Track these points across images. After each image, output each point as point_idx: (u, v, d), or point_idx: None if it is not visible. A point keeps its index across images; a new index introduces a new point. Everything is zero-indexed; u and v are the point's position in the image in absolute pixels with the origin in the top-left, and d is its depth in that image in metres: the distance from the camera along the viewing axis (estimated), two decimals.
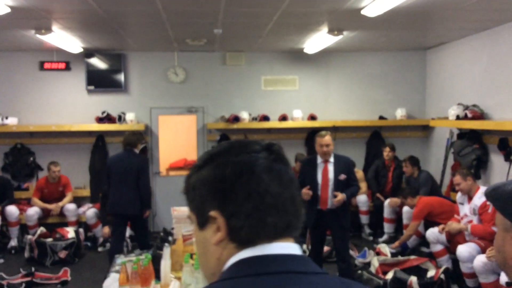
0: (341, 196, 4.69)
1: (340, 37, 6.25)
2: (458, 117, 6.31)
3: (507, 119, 5.74)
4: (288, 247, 0.90)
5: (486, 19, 5.65)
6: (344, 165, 4.85)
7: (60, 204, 6.99)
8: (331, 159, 4.85)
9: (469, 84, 6.73)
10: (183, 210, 3.81)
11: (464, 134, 6.56)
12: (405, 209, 6.51)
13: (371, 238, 7.14)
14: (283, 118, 7.83)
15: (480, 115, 6.15)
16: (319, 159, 4.86)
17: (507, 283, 3.71)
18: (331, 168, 4.82)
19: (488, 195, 1.16)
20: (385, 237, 6.88)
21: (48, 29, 5.81)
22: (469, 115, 6.12)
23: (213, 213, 0.90)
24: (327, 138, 4.77)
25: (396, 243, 6.08)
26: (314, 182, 4.80)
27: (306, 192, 4.72)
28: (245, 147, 0.95)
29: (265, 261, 0.86)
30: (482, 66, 6.41)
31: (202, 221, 0.92)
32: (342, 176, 4.78)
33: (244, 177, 0.89)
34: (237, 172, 0.90)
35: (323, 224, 4.89)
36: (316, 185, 4.80)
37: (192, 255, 3.34)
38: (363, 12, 4.87)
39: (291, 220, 0.91)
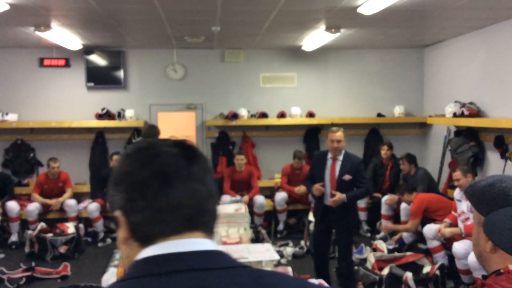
0: (338, 196, 4.61)
1: (338, 34, 6.29)
2: (455, 115, 6.36)
3: (503, 117, 5.78)
4: (191, 243, 0.88)
5: (481, 17, 5.68)
6: (351, 165, 4.70)
7: (60, 199, 7.05)
8: (340, 157, 4.74)
9: (466, 82, 6.76)
10: None
11: (461, 132, 6.60)
12: (403, 206, 6.55)
13: (368, 234, 7.18)
14: (282, 115, 7.87)
15: (476, 113, 6.18)
16: (329, 155, 4.80)
17: (483, 276, 3.76)
18: (338, 166, 4.74)
19: (465, 191, 1.21)
20: (382, 234, 6.93)
21: (47, 26, 5.85)
22: (466, 112, 6.16)
23: (116, 212, 0.92)
24: (339, 134, 4.68)
25: (390, 226, 6.30)
26: (322, 178, 4.78)
27: (317, 188, 4.72)
28: (150, 145, 0.95)
29: (161, 260, 0.85)
30: (479, 64, 6.45)
31: (115, 221, 0.94)
32: (347, 177, 4.67)
33: (131, 176, 0.90)
34: (126, 170, 0.92)
35: (327, 220, 4.84)
36: (324, 182, 4.78)
37: None
38: (359, 10, 4.90)
39: (191, 215, 0.90)
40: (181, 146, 0.97)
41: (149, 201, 0.88)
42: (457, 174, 5.21)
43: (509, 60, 5.77)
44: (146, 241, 0.88)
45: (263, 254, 3.07)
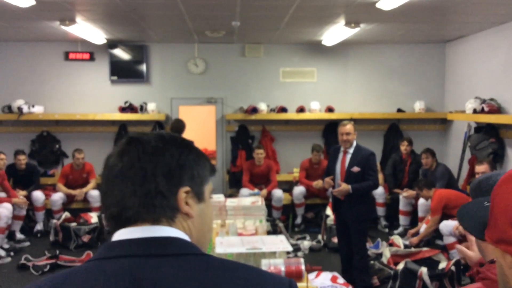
0: (342, 187, 4.66)
1: (357, 29, 6.29)
2: (475, 111, 6.30)
3: None
4: (136, 231, 0.96)
5: (502, 13, 5.62)
6: (361, 157, 4.71)
7: (84, 190, 7.24)
8: (351, 150, 4.78)
9: (487, 78, 6.69)
10: None
11: (481, 128, 6.54)
12: (421, 201, 6.54)
13: (386, 230, 7.19)
14: (301, 109, 7.91)
15: (497, 109, 6.13)
16: (342, 148, 4.86)
17: (479, 264, 3.79)
18: (348, 159, 4.79)
19: (472, 188, 1.25)
20: (400, 229, 6.93)
21: (72, 21, 6.01)
22: (486, 109, 6.11)
23: None
24: (348, 127, 4.73)
25: (416, 239, 5.95)
26: (334, 170, 4.88)
27: (327, 181, 4.85)
28: (119, 144, 1.06)
29: (110, 246, 0.96)
30: (500, 60, 6.37)
31: None
32: (355, 169, 4.70)
33: (102, 171, 1.05)
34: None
35: (341, 213, 4.91)
36: (335, 174, 4.86)
37: None
38: (377, 5, 4.91)
39: (112, 212, 0.99)
40: (132, 145, 1.03)
41: (101, 197, 1.04)
42: (485, 167, 5.14)
43: None
44: (112, 229, 1.01)
45: (277, 245, 3.14)
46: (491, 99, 6.30)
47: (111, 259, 0.94)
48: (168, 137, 1.05)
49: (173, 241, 0.96)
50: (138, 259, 0.92)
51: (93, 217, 6.78)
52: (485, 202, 0.85)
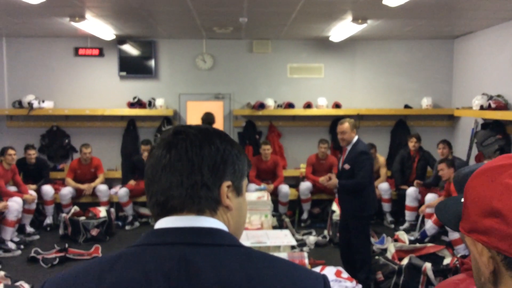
0: (330, 180, 4.82)
1: (365, 25, 6.30)
2: (482, 107, 6.30)
3: None
4: (182, 220, 1.01)
5: (509, 9, 5.60)
6: (353, 155, 4.77)
7: (92, 184, 7.33)
8: (348, 147, 4.85)
9: (494, 74, 6.68)
10: None
11: (488, 124, 6.54)
12: (428, 197, 6.56)
13: (392, 226, 7.21)
14: (308, 105, 7.94)
15: (504, 106, 6.12)
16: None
17: (462, 256, 3.87)
18: (344, 156, 4.90)
19: (454, 177, 1.29)
20: (406, 225, 6.95)
21: (82, 17, 6.08)
22: (493, 105, 6.10)
23: None
24: (342, 126, 4.80)
25: (424, 207, 6.32)
26: (338, 167, 5.06)
27: (323, 178, 5.04)
28: (160, 138, 1.10)
29: (157, 233, 1.01)
30: (508, 56, 6.35)
31: None
32: (346, 166, 4.79)
33: (148, 160, 1.09)
34: (146, 162, 1.09)
35: (341, 209, 5.07)
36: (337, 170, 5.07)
37: None
38: (384, 2, 4.92)
39: (158, 200, 1.03)
40: (180, 135, 1.06)
41: (146, 187, 1.08)
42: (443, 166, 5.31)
43: None
44: (155, 216, 1.06)
45: (281, 240, 3.19)
46: (498, 96, 6.29)
47: (159, 245, 0.98)
48: (212, 132, 1.09)
49: (217, 232, 1.00)
50: (186, 247, 0.97)
51: (102, 211, 6.86)
52: (462, 199, 0.90)
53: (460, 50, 7.84)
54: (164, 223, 1.02)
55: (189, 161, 1.02)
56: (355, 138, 4.83)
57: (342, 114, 7.92)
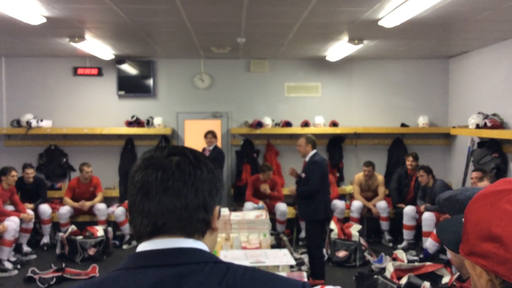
0: (290, 187, 5.80)
1: (361, 45, 6.38)
2: (477, 126, 6.35)
3: None
4: (166, 242, 1.01)
5: (504, 29, 5.70)
6: (308, 165, 5.51)
7: (89, 203, 7.31)
8: (307, 159, 5.56)
9: (489, 93, 6.76)
10: None
11: (484, 143, 6.59)
12: (425, 216, 6.57)
13: (391, 244, 7.20)
14: (305, 124, 7.98)
15: (499, 124, 6.17)
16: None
17: (460, 279, 3.90)
18: (302, 166, 5.65)
19: (442, 203, 1.30)
20: (404, 243, 6.95)
21: (81, 37, 6.14)
22: (489, 124, 6.16)
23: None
24: (298, 141, 5.63)
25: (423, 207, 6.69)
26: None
27: (291, 168, 5.82)
28: (151, 156, 1.08)
29: (141, 256, 1.01)
30: (502, 75, 6.44)
31: None
32: (303, 175, 5.57)
33: (128, 181, 1.07)
34: (129, 174, 1.09)
35: None
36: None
37: None
38: (380, 23, 5.00)
39: (161, 222, 1.02)
40: (174, 156, 1.06)
41: (132, 205, 1.06)
42: (485, 184, 5.25)
43: None
44: (137, 237, 1.06)
45: (280, 259, 3.19)
46: (494, 115, 6.35)
47: (142, 268, 0.99)
48: (204, 156, 1.12)
49: (197, 251, 1.02)
50: (167, 268, 0.98)
51: (99, 231, 6.84)
52: (462, 219, 0.92)
53: (455, 70, 7.94)
54: (150, 245, 1.02)
55: (193, 185, 1.04)
56: (313, 151, 5.52)
57: (339, 132, 7.99)
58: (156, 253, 1.00)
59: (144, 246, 1.02)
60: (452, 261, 1.33)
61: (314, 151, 5.55)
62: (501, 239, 0.80)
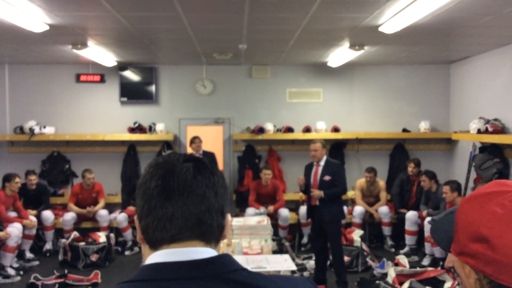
0: (316, 192, 5.53)
1: (362, 51, 6.41)
2: (479, 131, 6.36)
3: None
4: (188, 252, 0.99)
5: (505, 35, 5.72)
6: (331, 168, 5.63)
7: (95, 208, 7.34)
8: (322, 163, 5.66)
9: (491, 98, 6.77)
10: None
11: (485, 148, 6.59)
12: (427, 221, 6.56)
13: (393, 250, 7.20)
14: (307, 129, 8.00)
15: (501, 129, 6.18)
16: (315, 163, 5.74)
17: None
18: (320, 170, 5.66)
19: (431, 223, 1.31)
20: (406, 249, 6.94)
21: (84, 45, 6.19)
22: (490, 129, 6.17)
23: (135, 216, 1.08)
24: (314, 145, 5.66)
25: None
26: (309, 181, 5.72)
27: (300, 178, 5.75)
28: (165, 161, 1.06)
29: (160, 268, 0.97)
30: (503, 80, 6.45)
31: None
32: (326, 177, 5.58)
33: (143, 186, 1.04)
34: (142, 180, 1.05)
35: (316, 217, 5.72)
36: (309, 184, 5.70)
37: None
38: (380, 29, 5.03)
39: (186, 226, 1.01)
40: (191, 162, 1.06)
41: (151, 210, 1.02)
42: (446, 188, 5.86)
43: None
44: (153, 245, 1.03)
45: (281, 264, 3.20)
46: (495, 119, 6.36)
47: (159, 281, 0.95)
48: (216, 166, 1.13)
49: (218, 259, 1.01)
50: (189, 282, 0.95)
51: (102, 237, 6.86)
52: (453, 218, 0.94)
53: (457, 75, 7.95)
54: (172, 255, 0.99)
55: (213, 189, 1.04)
56: (325, 157, 5.71)
57: (341, 137, 8.00)
58: (177, 265, 0.98)
59: (162, 256, 1.00)
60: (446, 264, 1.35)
61: (325, 155, 5.75)
62: (489, 240, 0.82)
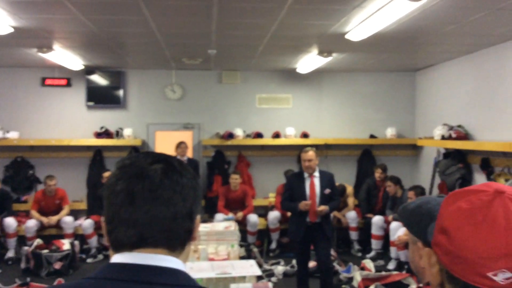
0: (322, 207, 4.99)
1: (330, 58, 6.49)
2: (443, 137, 6.51)
3: (489, 140, 5.94)
4: (149, 258, 0.97)
5: (468, 43, 5.88)
6: (328, 180, 5.15)
7: (55, 218, 7.16)
8: (316, 174, 5.13)
9: (455, 105, 6.95)
10: None
11: (449, 154, 6.75)
12: (393, 225, 6.66)
13: (359, 254, 7.27)
14: (276, 135, 8.04)
15: (464, 136, 6.34)
16: (306, 174, 5.13)
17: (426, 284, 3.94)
18: (317, 182, 5.10)
19: (398, 212, 1.36)
20: (372, 253, 7.03)
21: (50, 48, 6.07)
22: (453, 135, 6.33)
23: (102, 218, 1.06)
24: (310, 154, 5.05)
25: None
26: (303, 195, 5.06)
27: (305, 203, 4.98)
28: (132, 162, 1.03)
29: (118, 268, 0.96)
30: (467, 88, 6.64)
31: None
32: (327, 191, 5.09)
33: (109, 189, 1.01)
34: (108, 183, 1.03)
35: (309, 237, 5.10)
36: (304, 198, 5.03)
37: None
38: (347, 36, 5.10)
39: (149, 233, 0.98)
40: (160, 164, 1.02)
41: (115, 214, 0.99)
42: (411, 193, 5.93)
43: (496, 85, 5.96)
44: (116, 249, 1.00)
45: (246, 270, 3.20)
46: (459, 126, 6.53)
47: (117, 281, 0.94)
48: (186, 165, 1.08)
49: (176, 272, 0.98)
50: (142, 286, 0.93)
51: (66, 244, 6.69)
52: (423, 213, 1.09)
53: (422, 83, 8.14)
54: (129, 257, 0.98)
55: (181, 193, 1.01)
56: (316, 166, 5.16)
57: (310, 143, 8.01)
58: (133, 267, 0.96)
59: (122, 258, 0.98)
60: (411, 265, 1.39)
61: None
62: (448, 232, 0.87)
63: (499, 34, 5.32)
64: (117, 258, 0.99)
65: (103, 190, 1.04)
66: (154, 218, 0.98)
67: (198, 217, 1.07)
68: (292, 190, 5.19)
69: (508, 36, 5.42)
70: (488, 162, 5.95)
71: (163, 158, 1.04)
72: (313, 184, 5.09)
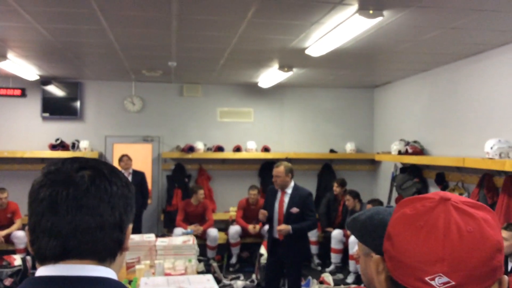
0: (283, 227, 4.71)
1: (291, 73, 6.56)
2: (400, 152, 6.66)
3: (443, 155, 6.12)
4: (75, 268, 0.92)
5: (423, 61, 6.07)
6: (299, 198, 4.82)
7: (4, 231, 6.88)
8: (288, 191, 4.88)
9: (411, 121, 7.14)
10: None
11: (406, 169, 6.91)
12: (352, 239, 6.73)
13: (319, 268, 7.30)
14: (237, 149, 8.02)
15: (420, 151, 6.51)
16: (279, 190, 4.94)
17: None
18: (286, 199, 4.87)
19: (348, 225, 1.35)
20: (332, 267, 7.06)
21: (3, 57, 5.87)
22: (410, 150, 6.48)
23: (26, 227, 1.00)
24: (277, 169, 4.85)
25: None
26: (272, 211, 4.92)
27: (262, 212, 4.91)
28: (57, 168, 0.97)
29: (44, 282, 0.91)
30: (422, 104, 6.83)
31: None
32: (294, 210, 4.78)
33: (31, 196, 0.96)
34: (31, 190, 0.97)
35: (277, 253, 4.93)
36: (273, 214, 4.91)
37: (130, 282, 3.43)
38: (307, 52, 5.17)
39: (73, 244, 0.93)
40: (87, 170, 0.96)
41: (38, 223, 0.93)
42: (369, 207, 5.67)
43: (449, 102, 6.16)
44: (40, 261, 0.95)
45: (203, 285, 3.14)
46: (415, 141, 6.69)
47: None
48: (117, 169, 1.03)
49: (105, 281, 0.94)
50: None
51: (17, 260, 6.42)
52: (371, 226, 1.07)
53: (380, 99, 8.33)
54: (54, 270, 0.92)
55: (109, 202, 0.95)
56: (292, 182, 4.89)
57: (271, 157, 8.08)
58: (59, 280, 0.90)
59: (46, 271, 0.92)
60: (363, 278, 1.38)
61: (293, 182, 4.91)
62: (392, 238, 0.87)
63: (452, 52, 5.51)
64: (42, 271, 0.93)
65: (28, 197, 0.97)
66: (79, 228, 0.92)
67: (130, 227, 1.01)
68: (266, 203, 5.08)
69: (461, 54, 5.62)
70: (443, 176, 6.11)
71: (92, 165, 0.98)
72: (282, 201, 4.87)
